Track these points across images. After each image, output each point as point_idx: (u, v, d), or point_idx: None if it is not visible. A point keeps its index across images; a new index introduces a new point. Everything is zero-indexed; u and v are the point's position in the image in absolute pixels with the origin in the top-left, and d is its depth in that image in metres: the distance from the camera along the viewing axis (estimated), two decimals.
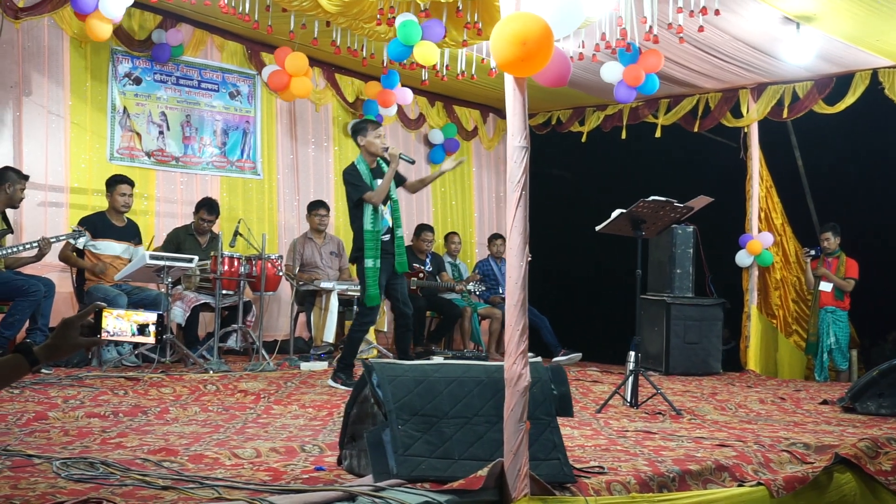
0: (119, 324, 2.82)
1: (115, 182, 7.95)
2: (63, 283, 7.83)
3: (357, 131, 7.07)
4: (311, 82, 9.57)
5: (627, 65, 8.61)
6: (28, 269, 7.27)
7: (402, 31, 7.59)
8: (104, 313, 2.77)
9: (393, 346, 9.84)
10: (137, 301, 7.65)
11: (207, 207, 8.56)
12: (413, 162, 7.43)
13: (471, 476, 3.13)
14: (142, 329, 2.88)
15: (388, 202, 7.00)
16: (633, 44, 8.10)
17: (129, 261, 7.85)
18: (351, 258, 7.22)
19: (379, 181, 6.92)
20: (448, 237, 11.00)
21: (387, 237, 6.95)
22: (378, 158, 7.03)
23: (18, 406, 5.16)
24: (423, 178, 7.69)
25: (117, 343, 7.51)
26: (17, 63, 8.13)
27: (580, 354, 10.06)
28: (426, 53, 7.66)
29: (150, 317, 2.91)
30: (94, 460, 3.54)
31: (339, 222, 10.44)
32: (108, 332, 2.77)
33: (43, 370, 6.64)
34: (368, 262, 6.78)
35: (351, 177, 6.92)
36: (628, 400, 6.31)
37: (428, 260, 10.28)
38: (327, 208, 9.42)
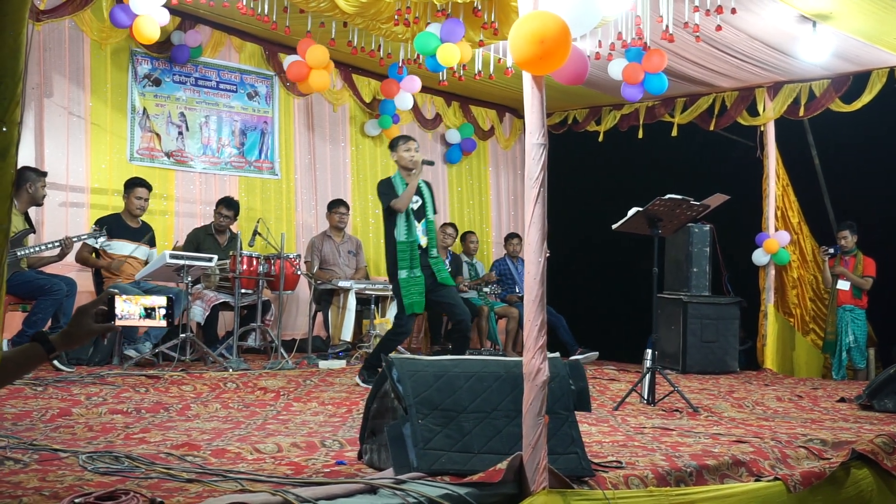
0: (127, 307, 2.85)
1: (132, 185, 8.01)
2: (84, 281, 7.89)
3: (392, 147, 7.10)
4: (330, 78, 9.63)
5: (630, 62, 8.58)
6: (49, 269, 7.34)
7: (418, 44, 7.68)
8: (116, 299, 2.80)
9: (420, 348, 9.90)
10: None
11: (226, 203, 8.63)
12: (432, 164, 7.48)
13: (490, 469, 3.16)
14: (149, 312, 2.91)
15: (424, 220, 6.93)
16: (648, 43, 8.11)
17: (143, 261, 7.93)
18: (388, 272, 7.11)
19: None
20: (465, 236, 11.03)
21: (420, 251, 6.85)
22: (412, 172, 6.97)
23: (42, 403, 5.22)
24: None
25: (132, 340, 7.59)
26: (38, 65, 8.21)
27: (597, 353, 10.08)
28: (448, 55, 7.67)
29: (158, 300, 2.93)
30: (119, 454, 3.60)
31: (356, 222, 10.49)
32: (118, 315, 2.80)
33: (65, 369, 6.72)
34: (402, 273, 6.73)
35: (382, 186, 6.93)
36: (645, 397, 6.33)
37: (447, 262, 10.31)
38: (347, 207, 9.50)
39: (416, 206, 6.88)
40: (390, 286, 7.48)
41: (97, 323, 2.73)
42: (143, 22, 7.65)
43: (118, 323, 2.80)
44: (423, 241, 6.86)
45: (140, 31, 7.67)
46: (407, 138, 7.11)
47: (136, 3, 7.58)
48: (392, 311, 8.81)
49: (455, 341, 7.01)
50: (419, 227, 6.88)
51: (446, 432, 3.33)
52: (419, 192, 6.96)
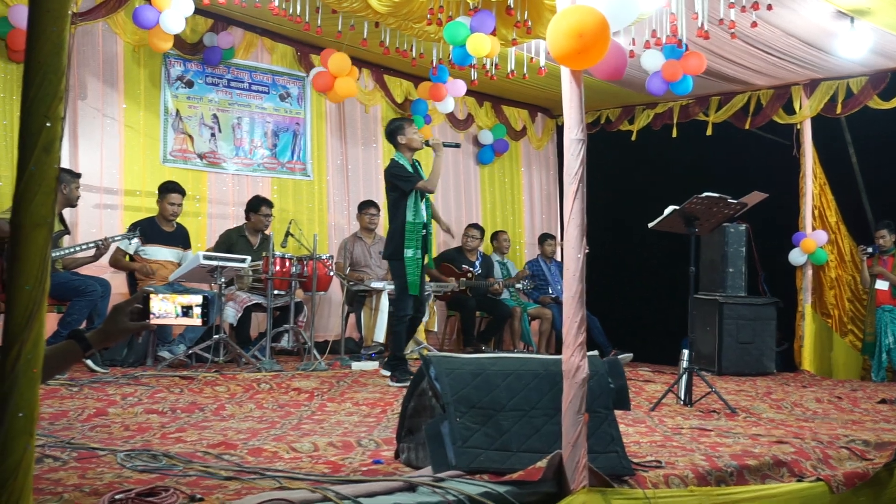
0: (164, 306, 2.83)
1: (166, 190, 8.08)
2: (118, 283, 7.95)
3: (395, 130, 7.26)
4: (359, 83, 9.66)
5: (668, 59, 8.52)
6: (83, 270, 7.41)
7: (448, 33, 7.65)
8: (151, 298, 2.80)
9: (445, 344, 9.91)
10: None
11: (266, 203, 8.68)
12: (458, 146, 7.66)
13: (529, 468, 3.15)
14: (186, 311, 2.89)
15: (425, 200, 7.21)
16: (684, 40, 8.06)
17: (178, 264, 7.98)
18: (386, 254, 7.36)
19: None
20: (496, 235, 11.00)
21: (423, 232, 7.15)
22: (414, 155, 7.29)
23: (78, 403, 5.26)
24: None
25: (167, 341, 7.64)
26: (72, 67, 8.28)
27: (631, 355, 10.03)
28: (478, 45, 7.63)
29: (195, 298, 2.91)
30: (157, 453, 3.61)
31: (387, 222, 10.50)
32: (153, 314, 2.79)
33: (99, 370, 6.78)
34: (409, 252, 7.01)
35: (398, 169, 7.13)
36: (682, 398, 6.30)
37: (478, 262, 10.29)
38: (378, 208, 9.50)
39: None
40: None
41: (132, 321, 2.73)
42: (167, 19, 7.71)
43: (154, 322, 2.80)
44: (424, 217, 7.16)
45: (162, 29, 7.77)
46: (410, 121, 7.45)
47: (161, 3, 7.68)
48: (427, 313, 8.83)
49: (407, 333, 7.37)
50: (422, 206, 7.15)
51: (485, 430, 3.32)
52: (419, 172, 7.22)
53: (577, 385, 3.12)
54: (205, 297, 2.92)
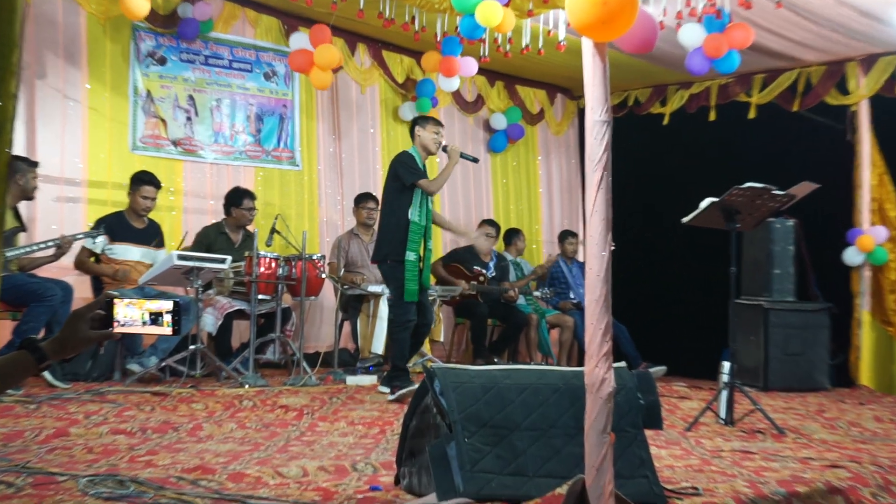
0: (130, 312, 2.79)
1: (139, 182, 8.06)
2: (82, 287, 7.95)
3: (418, 123, 7.53)
4: (354, 60, 9.66)
5: (712, 32, 8.50)
6: (42, 272, 7.40)
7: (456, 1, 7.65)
8: (115, 303, 2.76)
9: (453, 356, 9.90)
10: None
11: (249, 196, 8.70)
12: (476, 161, 7.86)
13: (548, 495, 3.14)
14: (155, 318, 2.86)
15: (430, 201, 7.39)
16: (724, 10, 8.05)
17: (150, 266, 7.97)
18: (377, 256, 7.43)
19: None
20: (512, 235, 10.96)
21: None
22: (427, 156, 7.49)
23: (35, 422, 5.26)
24: (445, 221, 8.09)
25: (136, 352, 7.64)
26: (28, 42, 8.29)
27: (664, 368, 10.01)
28: (489, 13, 7.59)
29: (165, 304, 2.87)
30: (124, 478, 3.61)
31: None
32: (118, 321, 2.76)
33: (60, 385, 6.78)
34: (411, 256, 7.14)
35: (407, 158, 7.31)
36: (722, 417, 6.28)
37: (492, 264, 10.27)
38: (377, 201, 9.47)
39: None
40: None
41: (94, 329, 2.69)
42: None
43: (118, 330, 2.76)
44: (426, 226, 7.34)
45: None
46: (438, 122, 7.59)
47: None
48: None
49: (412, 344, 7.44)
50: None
51: (497, 452, 3.31)
52: (425, 170, 7.40)
53: (601, 401, 3.11)
54: (176, 303, 2.88)
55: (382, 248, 7.30)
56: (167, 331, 2.81)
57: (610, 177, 3.19)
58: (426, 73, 10.39)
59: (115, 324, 2.73)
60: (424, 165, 7.42)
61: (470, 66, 9.79)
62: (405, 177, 7.20)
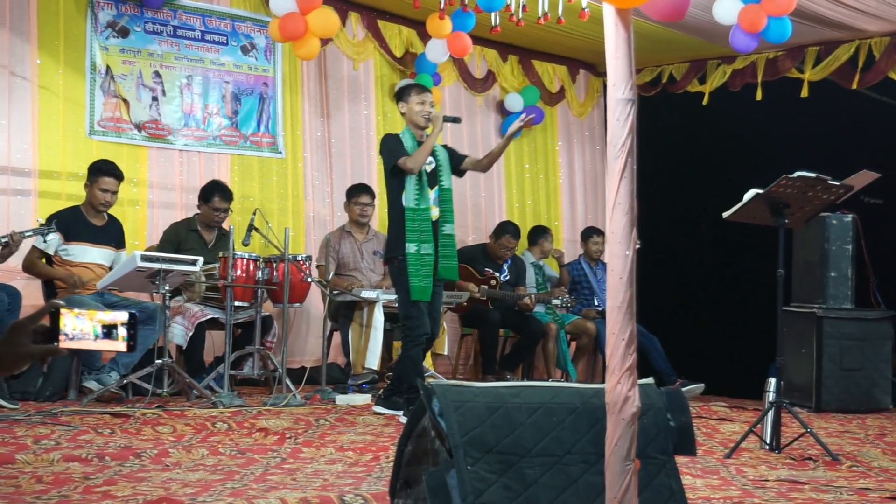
0: (80, 324, 2.76)
1: (98, 172, 8.06)
2: (31, 292, 7.97)
3: (399, 97, 7.60)
4: (345, 31, 9.64)
5: (747, 3, 8.47)
6: None
7: None
8: (62, 313, 2.74)
9: (459, 372, 9.90)
10: None
11: (221, 192, 8.68)
12: (458, 121, 7.82)
13: None
14: (108, 331, 2.82)
15: (437, 188, 7.33)
16: None
17: (109, 268, 7.98)
18: (386, 256, 7.52)
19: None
20: (537, 235, 10.89)
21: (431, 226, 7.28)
22: (426, 132, 7.43)
23: None
24: (490, 153, 7.80)
25: (95, 367, 7.65)
26: None
27: (702, 386, 10.00)
28: None
29: (119, 316, 2.84)
30: None
31: (383, 214, 10.49)
32: (66, 334, 2.73)
33: (6, 405, 6.79)
34: (411, 247, 7.09)
35: (389, 142, 7.38)
36: (767, 442, 6.27)
37: (506, 267, 10.26)
38: (372, 195, 9.50)
39: (428, 169, 7.32)
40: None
41: (36, 344, 2.67)
42: None
43: (65, 345, 2.74)
44: (435, 213, 7.28)
45: None
46: (421, 88, 7.57)
47: None
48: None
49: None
50: (431, 195, 7.28)
51: (504, 482, 3.31)
52: (433, 154, 7.35)
53: (624, 422, 3.10)
54: (132, 315, 2.85)
55: (388, 246, 7.40)
56: (121, 346, 2.78)
57: (635, 164, 3.19)
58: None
59: (62, 337, 2.70)
60: (420, 143, 7.34)
61: (464, 42, 9.80)
62: (386, 161, 7.33)
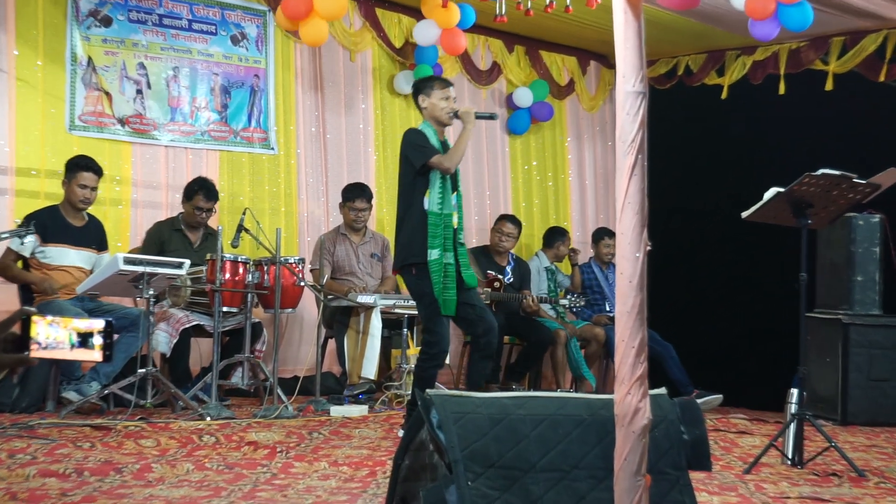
0: (54, 332, 2.76)
1: (76, 168, 8.06)
2: (6, 297, 7.97)
3: (419, 90, 7.27)
4: (341, 20, 9.64)
5: None
6: None
7: None
8: (34, 320, 2.73)
9: (462, 382, 9.87)
10: None
11: (205, 190, 8.66)
12: (495, 117, 7.64)
13: None
14: (83, 339, 2.82)
15: (457, 194, 7.16)
16: None
17: (90, 271, 7.97)
18: (396, 263, 7.25)
19: None
20: (555, 235, 10.88)
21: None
22: (446, 129, 7.27)
23: None
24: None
25: (74, 377, 7.64)
26: None
27: (720, 397, 9.99)
28: None
29: (95, 323, 2.84)
30: None
31: (382, 214, 10.50)
32: (38, 343, 2.73)
33: None
34: (433, 254, 6.85)
35: (415, 136, 7.09)
36: (789, 456, 6.26)
37: (509, 269, 10.25)
38: (369, 197, 9.46)
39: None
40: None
41: (6, 353, 2.67)
42: None
43: (37, 354, 2.73)
44: (455, 219, 7.06)
45: None
46: (444, 82, 7.31)
47: None
48: None
49: (475, 365, 7.24)
50: (453, 200, 7.08)
51: (507, 499, 3.31)
52: (446, 150, 7.12)
53: (634, 435, 3.10)
54: (108, 323, 2.84)
55: (401, 252, 7.09)
56: (96, 355, 2.78)
57: (646, 160, 3.19)
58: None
59: (34, 346, 2.69)
60: (444, 142, 7.19)
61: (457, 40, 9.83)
62: (414, 158, 6.98)
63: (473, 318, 7.08)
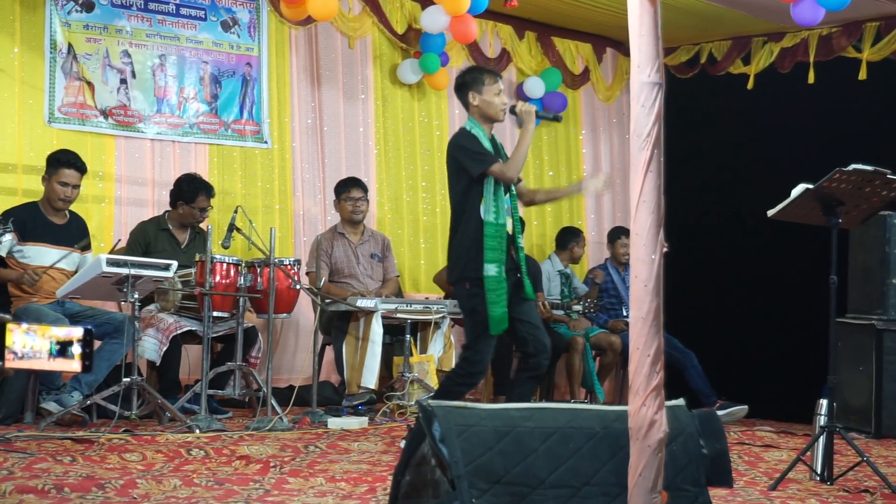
0: (30, 341, 2.76)
1: (56, 163, 8.06)
2: None
3: (467, 85, 7.05)
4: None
5: None
6: None
7: None
8: (9, 328, 2.73)
9: (479, 398, 9.87)
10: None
11: (206, 189, 8.71)
12: (559, 119, 7.57)
13: None
14: (62, 349, 2.82)
15: (509, 196, 6.99)
16: None
17: (71, 272, 7.97)
18: (452, 277, 7.12)
19: None
20: (568, 235, 10.88)
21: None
22: (493, 126, 7.09)
23: None
24: (548, 190, 7.55)
25: (54, 386, 7.65)
26: None
27: (745, 407, 9.99)
28: None
29: (74, 332, 2.84)
30: None
31: (383, 212, 10.50)
32: (14, 353, 2.73)
33: None
34: (491, 269, 6.71)
35: (466, 140, 6.91)
36: (818, 472, 6.26)
37: None
38: (364, 189, 9.48)
39: None
40: (450, 300, 7.71)
41: None
42: None
43: (12, 365, 2.74)
44: (510, 225, 6.90)
45: None
46: (494, 74, 7.14)
47: None
48: (437, 343, 8.81)
49: (522, 385, 7.11)
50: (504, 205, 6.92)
51: None
52: (497, 151, 6.99)
53: (650, 450, 3.11)
54: (87, 332, 2.85)
55: (456, 265, 6.96)
56: (75, 365, 2.79)
57: (662, 155, 3.20)
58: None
59: (10, 356, 2.70)
60: (494, 140, 7.05)
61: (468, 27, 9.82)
62: (470, 167, 6.79)
63: (525, 335, 6.97)
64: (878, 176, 6.41)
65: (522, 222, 7.85)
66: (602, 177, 7.55)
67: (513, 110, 7.00)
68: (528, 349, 6.99)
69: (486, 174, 6.75)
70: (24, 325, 2.73)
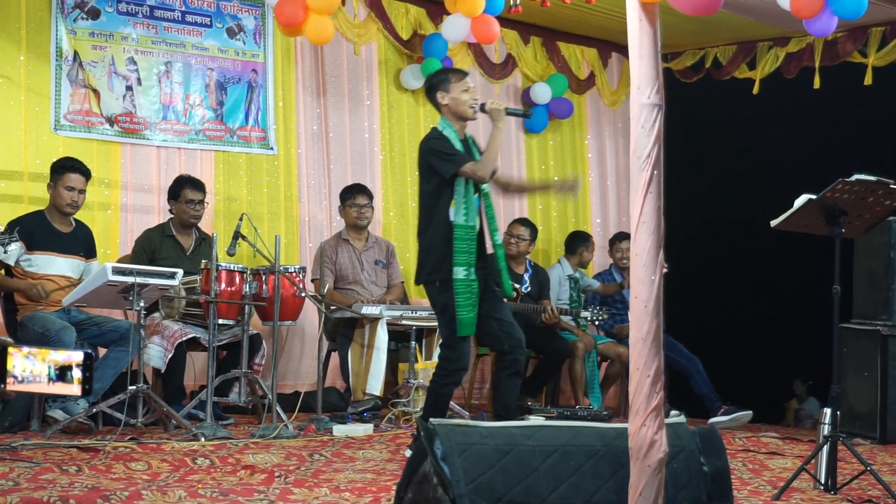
0: (30, 365, 2.77)
1: (62, 169, 8.03)
2: None
3: (435, 86, 7.01)
4: (344, 10, 9.65)
5: None
6: None
7: None
8: (10, 352, 2.74)
9: (487, 402, 9.85)
10: (93, 336, 7.82)
11: (190, 183, 8.70)
12: (528, 115, 7.52)
13: None
14: (62, 373, 2.83)
15: (478, 195, 6.96)
16: None
17: (77, 280, 7.97)
18: (419, 276, 7.11)
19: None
20: (578, 240, 10.87)
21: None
22: (467, 124, 7.04)
23: None
24: (521, 183, 7.60)
25: (59, 397, 7.66)
26: None
27: (750, 413, 9.97)
28: None
29: (74, 356, 2.84)
30: None
31: (389, 218, 10.50)
32: (15, 377, 2.74)
33: None
34: (460, 272, 6.71)
35: (437, 143, 6.86)
36: (822, 481, 6.26)
37: (527, 276, 10.23)
38: (369, 195, 9.50)
39: None
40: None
41: None
42: None
43: (13, 388, 2.75)
44: (481, 223, 6.93)
45: None
46: (460, 73, 7.11)
47: None
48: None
49: (503, 385, 7.11)
50: (474, 206, 6.90)
51: None
52: (469, 150, 6.97)
53: (650, 470, 3.12)
54: (87, 356, 2.86)
55: (424, 266, 6.95)
56: (75, 389, 2.80)
57: (661, 177, 3.21)
58: (439, 27, 10.34)
59: (10, 380, 2.71)
60: (468, 139, 7.00)
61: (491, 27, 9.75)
62: (442, 169, 6.76)
63: (499, 333, 6.99)
64: (880, 186, 6.40)
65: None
66: (572, 180, 7.54)
67: (483, 108, 6.93)
68: (503, 347, 7.02)
69: (457, 174, 6.73)
70: (25, 349, 2.74)
